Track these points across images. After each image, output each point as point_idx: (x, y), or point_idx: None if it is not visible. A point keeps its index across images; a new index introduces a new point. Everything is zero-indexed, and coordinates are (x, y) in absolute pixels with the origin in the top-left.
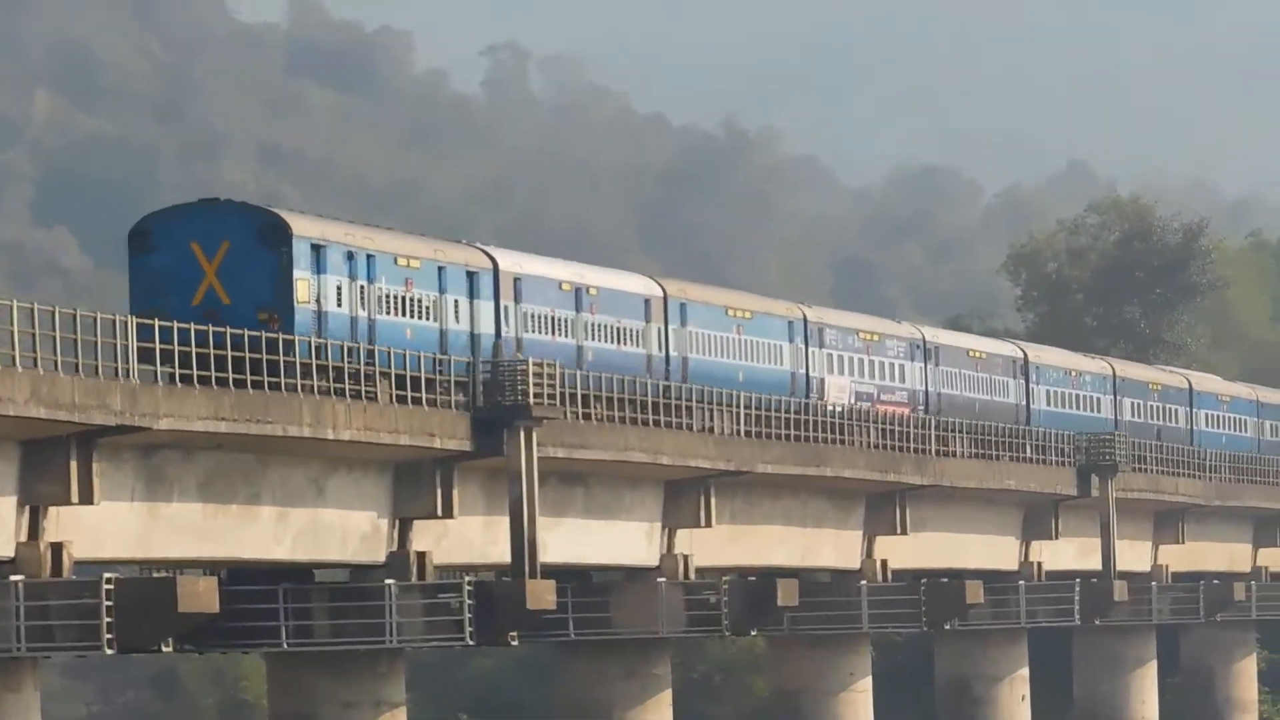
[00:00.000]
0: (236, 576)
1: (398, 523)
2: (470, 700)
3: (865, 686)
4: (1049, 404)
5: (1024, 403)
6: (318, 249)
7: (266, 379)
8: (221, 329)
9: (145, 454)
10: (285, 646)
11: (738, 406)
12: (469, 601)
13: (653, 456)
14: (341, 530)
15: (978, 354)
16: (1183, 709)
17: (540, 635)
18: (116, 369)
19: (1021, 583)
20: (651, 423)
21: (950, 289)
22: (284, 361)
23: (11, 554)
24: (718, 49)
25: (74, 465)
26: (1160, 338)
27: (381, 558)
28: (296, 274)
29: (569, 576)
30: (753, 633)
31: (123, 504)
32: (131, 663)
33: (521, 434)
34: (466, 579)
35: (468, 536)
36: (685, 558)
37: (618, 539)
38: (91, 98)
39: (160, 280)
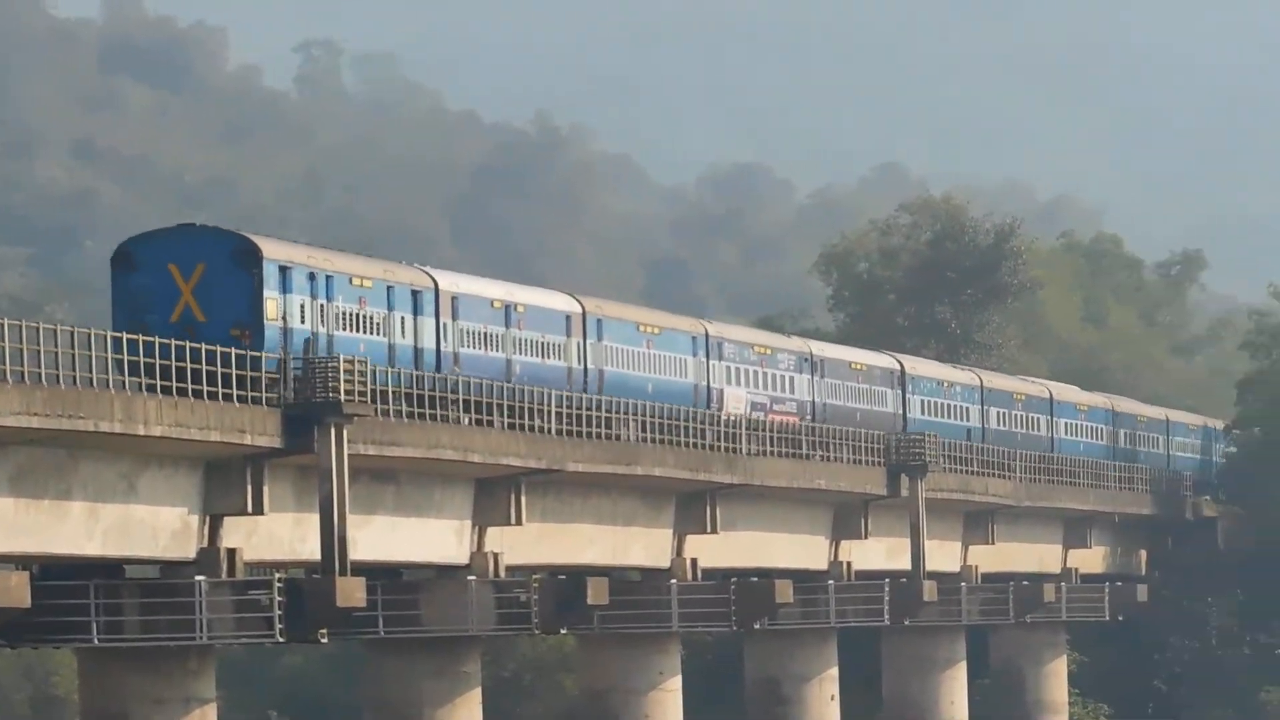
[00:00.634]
0: (48, 572)
1: (208, 519)
2: (280, 698)
3: (675, 685)
4: (923, 413)
5: (901, 412)
6: (284, 270)
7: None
8: (197, 344)
9: None
10: (96, 642)
11: (548, 405)
12: (279, 598)
13: (463, 454)
14: (152, 526)
15: (859, 366)
16: (992, 710)
17: (350, 632)
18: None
19: (831, 582)
20: (463, 421)
21: (763, 288)
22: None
23: None
24: (531, 47)
25: None
26: (971, 338)
27: (192, 554)
28: (266, 293)
29: (379, 574)
30: (562, 631)
31: None
32: None
33: (332, 431)
34: (276, 576)
35: (278, 533)
36: (496, 556)
37: (428, 537)
38: None
39: (141, 298)
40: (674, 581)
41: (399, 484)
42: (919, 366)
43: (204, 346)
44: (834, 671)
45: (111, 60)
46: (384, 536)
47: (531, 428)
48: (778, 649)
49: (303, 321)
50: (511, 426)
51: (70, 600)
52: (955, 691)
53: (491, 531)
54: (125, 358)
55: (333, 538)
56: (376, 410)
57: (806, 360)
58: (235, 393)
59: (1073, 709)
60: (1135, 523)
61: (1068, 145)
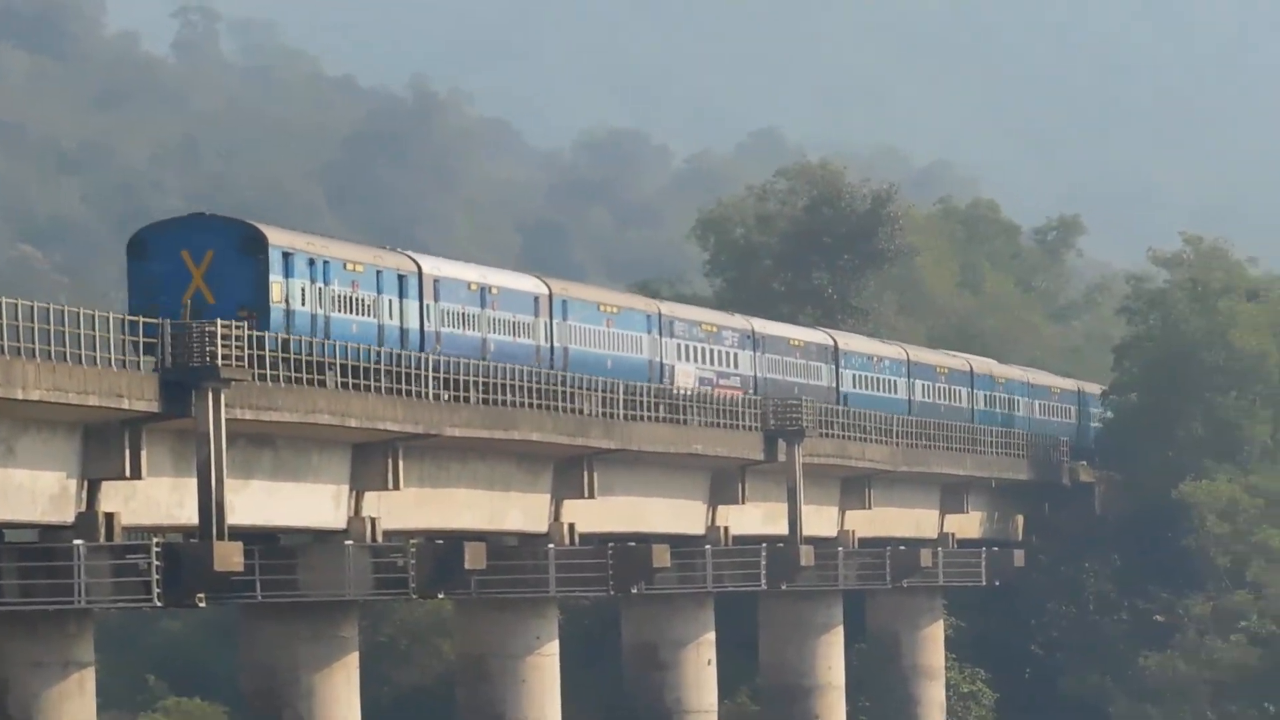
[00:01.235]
0: None
1: (86, 483)
2: (158, 661)
3: (552, 650)
4: (855, 386)
5: (835, 385)
6: (287, 256)
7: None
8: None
9: None
10: None
11: (425, 370)
12: (156, 563)
13: (341, 419)
14: (30, 490)
15: (797, 342)
16: (869, 675)
17: (227, 597)
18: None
19: (708, 547)
20: (340, 385)
21: (640, 254)
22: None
23: None
24: (409, 11)
25: None
26: (848, 303)
27: (70, 518)
28: (272, 278)
29: (256, 539)
30: (440, 596)
31: None
32: None
33: (209, 396)
34: (154, 540)
35: (156, 498)
36: (373, 520)
37: (306, 501)
38: None
39: (154, 283)
40: (551, 546)
41: (276, 449)
42: (851, 342)
43: (81, 310)
44: (711, 636)
45: None
46: (261, 501)
47: (410, 392)
48: (655, 614)
49: (303, 304)
50: (390, 391)
51: None
52: (832, 656)
53: (369, 496)
54: (127, 338)
55: (210, 502)
56: (254, 375)
57: (749, 337)
58: (114, 357)
59: (949, 674)
60: (1012, 488)
61: (944, 111)
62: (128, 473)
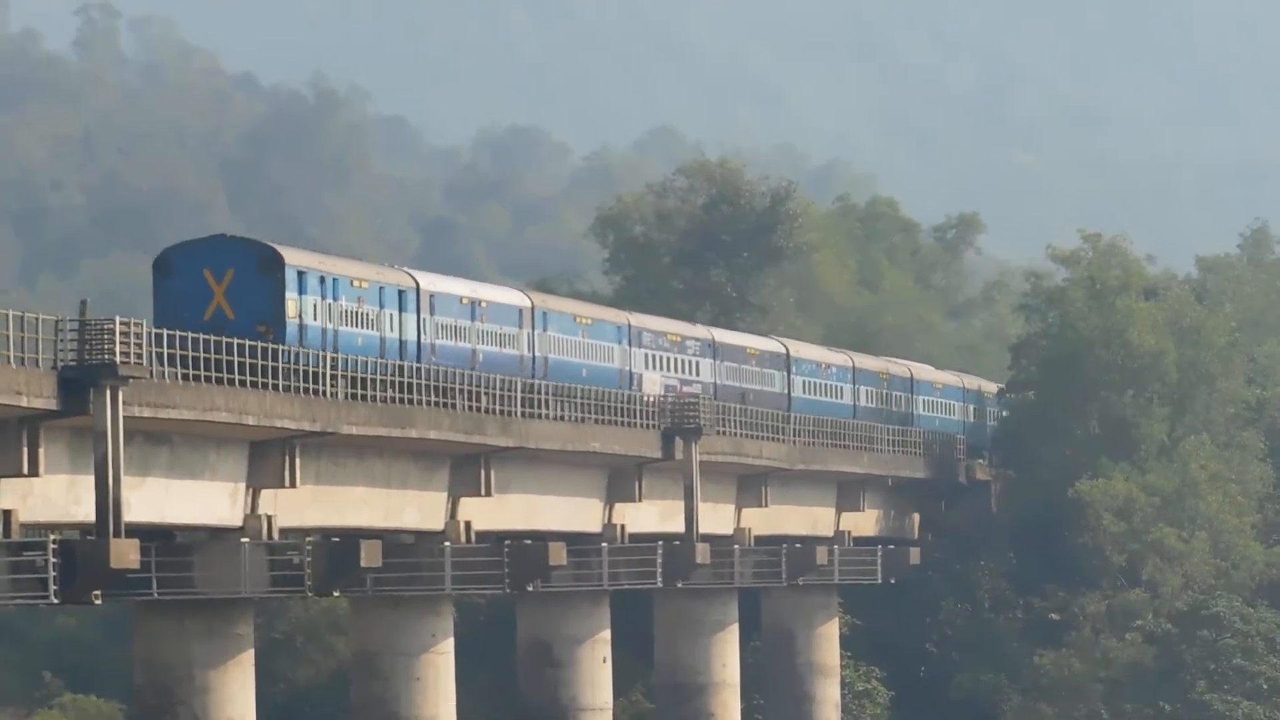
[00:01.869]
0: None
1: None
2: (53, 658)
3: (447, 648)
4: (804, 392)
5: (786, 391)
6: (301, 274)
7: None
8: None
9: None
10: None
11: (324, 367)
12: (53, 560)
13: (238, 416)
14: None
15: (753, 351)
16: (764, 672)
17: (123, 594)
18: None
19: (604, 545)
20: (238, 383)
21: (538, 252)
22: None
23: None
24: (309, 9)
25: None
26: (746, 300)
27: None
28: (288, 295)
29: (153, 536)
30: (335, 593)
31: None
32: None
33: (107, 393)
34: (51, 537)
35: (52, 495)
36: (269, 518)
37: (202, 498)
38: None
39: (178, 299)
40: (447, 544)
41: (173, 446)
42: (802, 350)
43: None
44: (606, 634)
45: None
46: (158, 498)
47: (307, 390)
48: (550, 611)
49: (315, 319)
50: (291, 389)
51: None
52: (727, 654)
53: (265, 493)
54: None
55: (107, 499)
56: (151, 372)
57: (710, 346)
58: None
59: (844, 671)
60: (908, 486)
61: (843, 109)
62: (25, 470)
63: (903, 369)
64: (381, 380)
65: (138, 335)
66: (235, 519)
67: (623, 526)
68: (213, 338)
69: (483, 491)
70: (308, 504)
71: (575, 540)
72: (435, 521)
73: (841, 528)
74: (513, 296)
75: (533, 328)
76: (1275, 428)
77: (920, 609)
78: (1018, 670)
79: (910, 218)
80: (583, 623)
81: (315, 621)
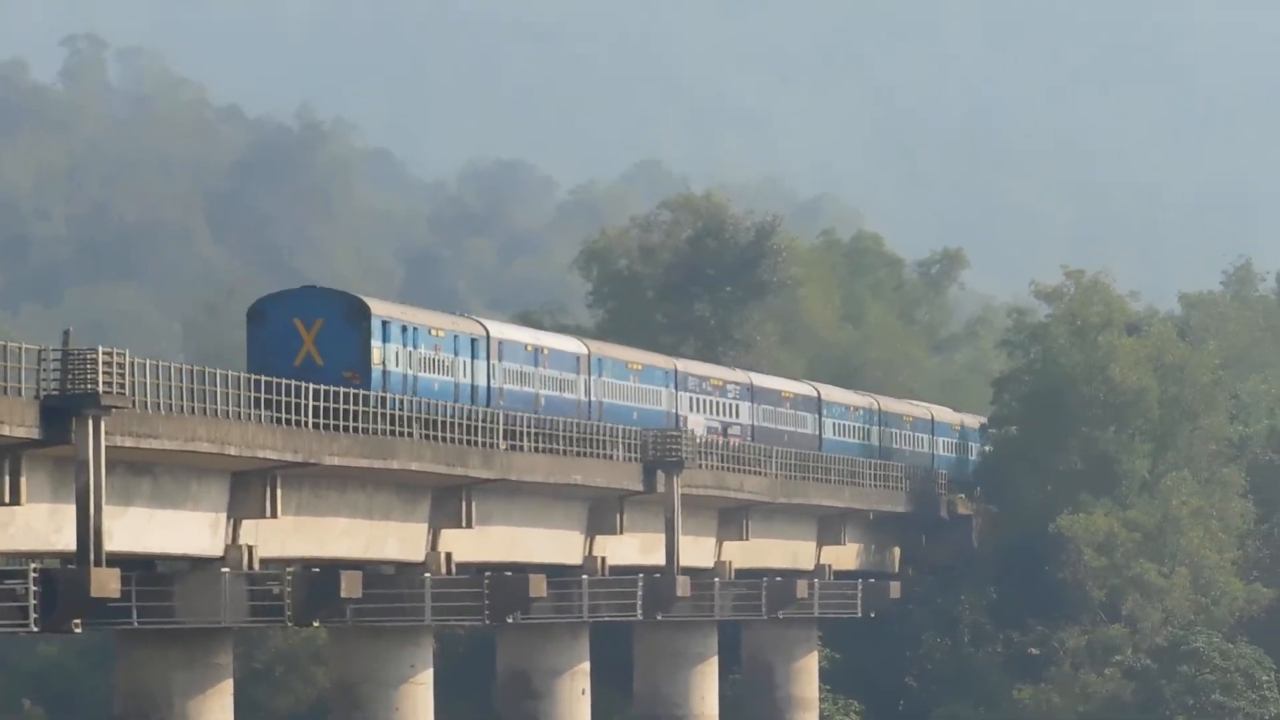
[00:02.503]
0: None
1: None
2: (33, 687)
3: (426, 679)
4: (834, 434)
5: (818, 433)
6: (385, 324)
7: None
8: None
9: None
10: None
11: (305, 398)
12: (34, 588)
13: (220, 447)
14: None
15: (787, 394)
16: (743, 705)
17: (104, 623)
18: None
19: (585, 577)
20: (221, 414)
21: (522, 285)
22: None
23: None
24: (295, 40)
25: None
26: (730, 334)
27: None
28: (373, 343)
29: (134, 565)
30: (315, 624)
31: None
32: None
33: (90, 422)
34: (32, 566)
35: (34, 524)
36: (250, 548)
37: (183, 528)
38: None
39: (270, 346)
40: (428, 575)
41: (155, 475)
42: (832, 394)
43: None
44: (585, 666)
45: None
46: (139, 528)
47: (290, 421)
48: (530, 643)
49: (397, 365)
50: (273, 421)
51: None
52: (706, 686)
53: (246, 524)
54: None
55: (88, 528)
56: (134, 402)
57: (748, 390)
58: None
59: (824, 705)
60: (889, 520)
61: (828, 144)
62: (6, 499)
63: (924, 411)
64: (363, 411)
65: (120, 365)
66: (216, 549)
67: (603, 559)
68: (183, 366)
69: (464, 523)
70: (289, 534)
71: (556, 572)
72: (416, 552)
73: (822, 561)
74: (571, 344)
75: (589, 373)
76: (1257, 464)
77: (900, 642)
78: (997, 704)
79: (894, 253)
80: (562, 654)
81: (295, 651)
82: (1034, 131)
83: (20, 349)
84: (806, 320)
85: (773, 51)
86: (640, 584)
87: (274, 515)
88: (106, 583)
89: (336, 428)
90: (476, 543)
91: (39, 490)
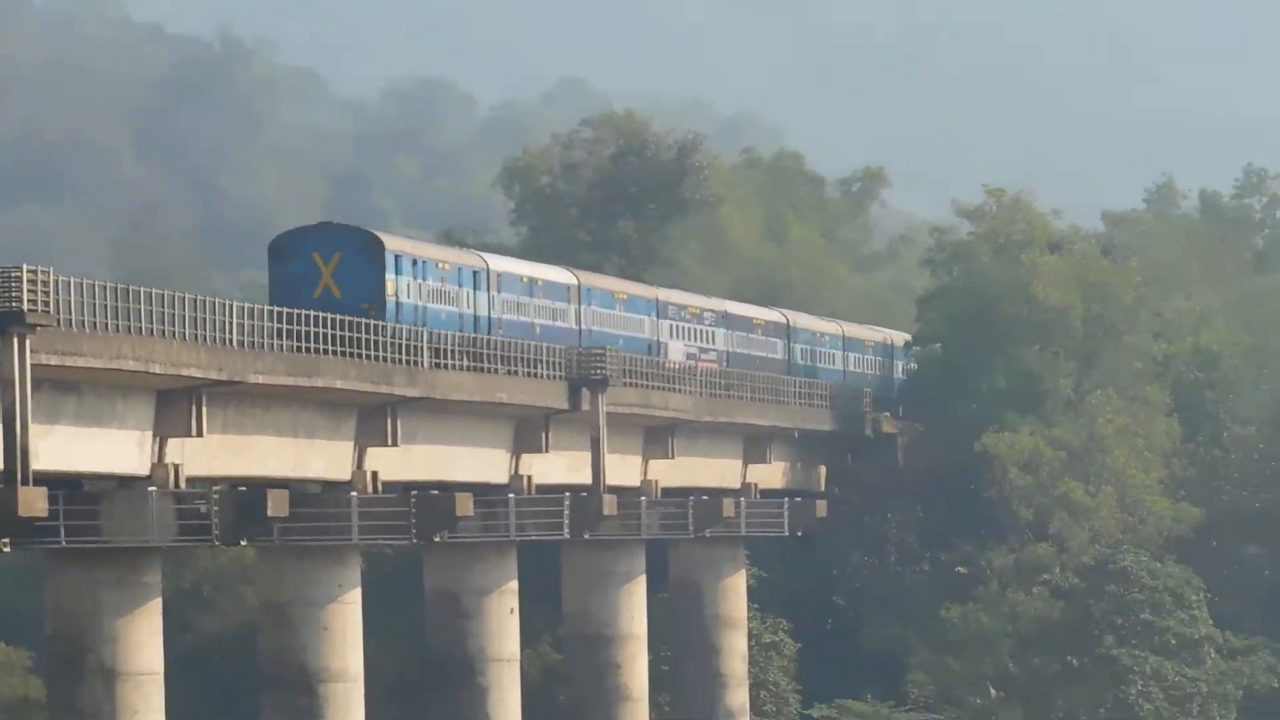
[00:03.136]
0: None
1: None
2: None
3: (354, 598)
4: (803, 360)
5: (787, 357)
6: (398, 258)
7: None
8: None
9: None
10: None
11: (227, 315)
12: None
13: (144, 364)
14: None
15: (759, 321)
16: (671, 624)
17: (31, 542)
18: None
19: (511, 496)
20: (146, 332)
21: (446, 203)
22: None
23: None
24: None
25: None
26: (653, 253)
27: None
28: (388, 276)
29: (61, 484)
30: (243, 543)
31: None
32: None
33: (15, 341)
34: None
35: None
36: (176, 467)
37: (110, 447)
38: None
39: (291, 280)
40: (354, 494)
41: (81, 394)
42: (800, 320)
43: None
44: (514, 585)
45: None
46: (66, 447)
47: (214, 339)
48: (457, 562)
49: (409, 297)
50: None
51: None
52: (635, 605)
53: (173, 443)
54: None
55: (15, 448)
56: (59, 321)
57: (722, 317)
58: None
59: (752, 624)
60: (815, 439)
61: (750, 63)
62: None
63: (883, 336)
64: (288, 329)
65: (45, 284)
66: (143, 468)
67: (530, 478)
68: (106, 284)
69: (390, 442)
70: (215, 453)
71: (482, 491)
72: (342, 471)
73: (748, 480)
74: (563, 275)
75: (579, 303)
76: (1181, 383)
77: (827, 562)
78: (925, 624)
79: (816, 172)
80: (490, 573)
81: (223, 571)
82: (967, 58)
83: None
84: (729, 239)
85: None
86: (567, 503)
87: (200, 434)
88: (34, 502)
89: (261, 345)
90: (403, 462)
91: None
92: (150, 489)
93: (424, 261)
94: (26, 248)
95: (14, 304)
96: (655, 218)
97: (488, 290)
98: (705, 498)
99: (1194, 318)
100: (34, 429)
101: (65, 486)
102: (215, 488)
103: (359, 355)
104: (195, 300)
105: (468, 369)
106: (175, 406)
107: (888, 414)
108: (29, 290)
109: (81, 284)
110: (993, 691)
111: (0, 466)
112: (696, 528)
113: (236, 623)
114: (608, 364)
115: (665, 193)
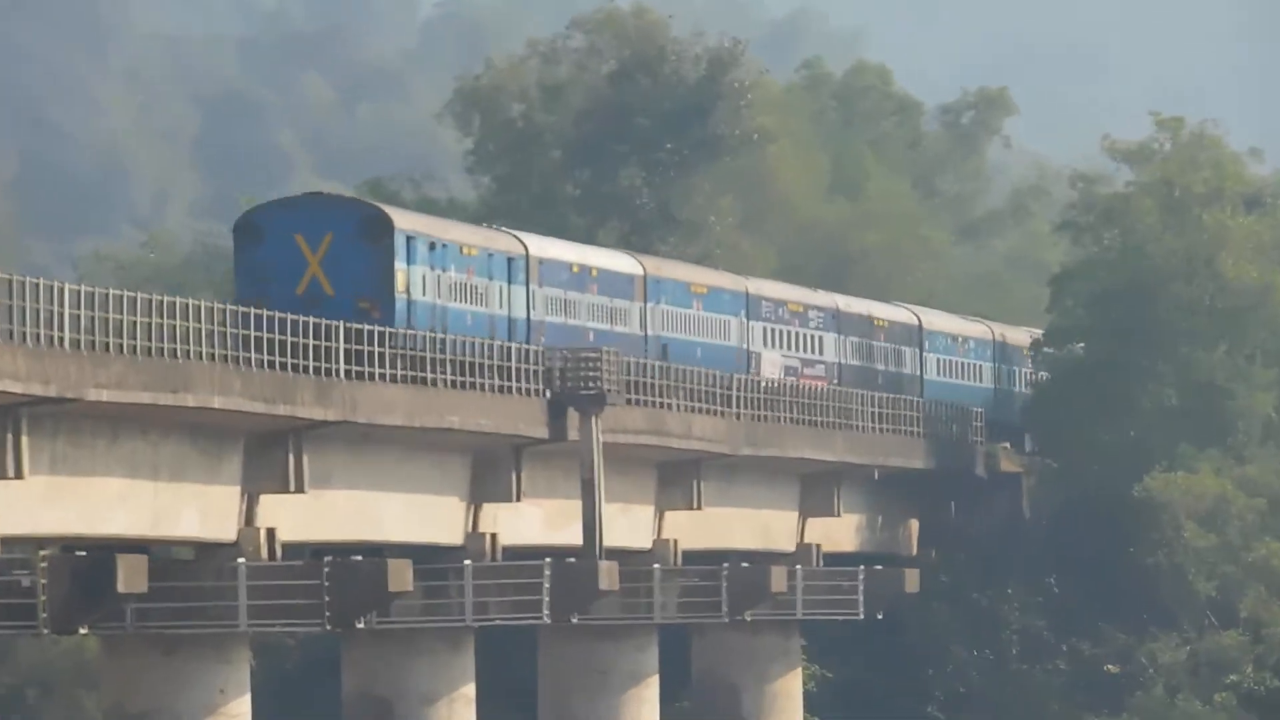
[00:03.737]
0: None
1: None
2: None
3: (242, 709)
4: (939, 373)
5: (919, 373)
6: (410, 240)
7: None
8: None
9: None
10: None
11: (55, 303)
12: None
13: None
14: None
15: (882, 321)
16: None
17: None
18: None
19: (468, 564)
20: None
21: (372, 140)
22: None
23: None
24: None
25: None
26: (670, 214)
27: None
28: (397, 265)
29: None
30: (82, 631)
31: None
32: None
33: None
34: None
35: None
36: None
37: None
38: None
39: (265, 271)
40: (242, 561)
41: None
42: (934, 320)
43: None
44: (469, 689)
45: None
46: None
47: (40, 338)
48: (390, 656)
49: (424, 294)
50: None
51: None
52: (642, 715)
53: None
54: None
55: None
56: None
57: (833, 317)
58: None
59: None
60: (903, 481)
61: None
62: None
63: (1024, 335)
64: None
65: None
66: None
67: (494, 537)
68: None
69: (292, 486)
70: (40, 503)
71: (426, 556)
72: (224, 529)
73: (807, 540)
74: (624, 262)
75: (645, 300)
76: None
77: (919, 656)
78: None
79: (907, 93)
80: (437, 673)
81: (54, 669)
82: None
83: None
84: (780, 192)
85: None
86: (547, 573)
87: (18, 475)
88: None
89: (106, 347)
90: (311, 514)
91: None
92: None
93: (444, 245)
94: None
95: None
96: (674, 163)
97: (526, 283)
98: (745, 565)
99: None
100: None
101: None
102: (42, 552)
103: (248, 362)
104: (10, 282)
105: (405, 380)
106: None
107: (1007, 444)
108: None
109: None
110: None
111: None
112: (732, 608)
113: None
114: (605, 371)
115: (689, 126)
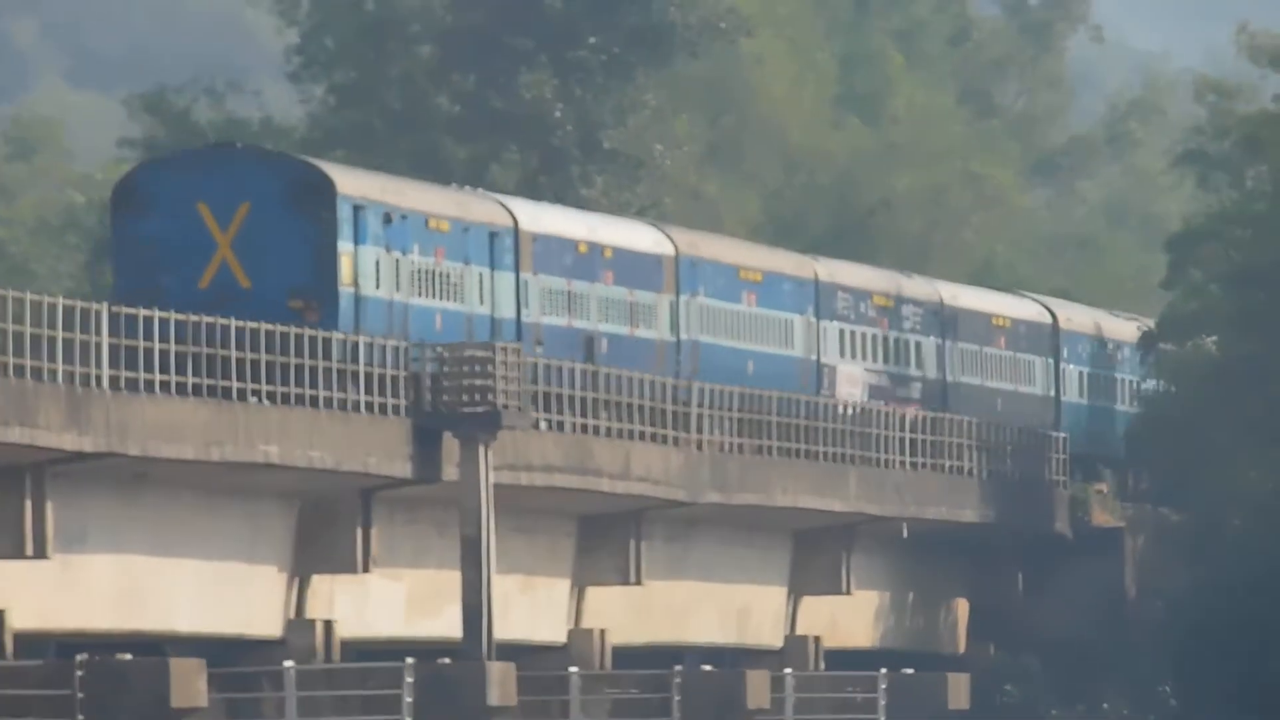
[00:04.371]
0: None
1: None
2: None
3: None
4: (1080, 395)
5: (1054, 392)
6: (358, 210)
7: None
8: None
9: None
10: None
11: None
12: None
13: None
14: None
15: (1002, 320)
16: None
17: None
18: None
19: (289, 666)
20: None
21: (151, 36)
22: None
23: None
24: None
25: None
26: (596, 142)
27: None
28: (340, 246)
29: None
30: None
31: None
32: None
33: None
34: None
35: None
36: None
37: None
38: None
39: (154, 253)
40: None
41: None
42: (1075, 316)
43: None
44: None
45: None
46: None
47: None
48: None
49: (378, 286)
50: None
51: None
52: None
53: None
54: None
55: None
56: None
57: (934, 313)
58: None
59: None
60: (946, 539)
61: None
62: None
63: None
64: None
65: None
66: None
67: (328, 625)
68: None
69: (29, 549)
70: None
71: (229, 654)
72: None
73: (801, 630)
74: (649, 238)
75: (677, 290)
76: None
77: None
78: None
79: None
80: None
81: None
82: None
83: None
84: (762, 112)
85: None
86: (409, 679)
87: None
88: None
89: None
90: (57, 590)
91: None
92: None
93: (403, 217)
94: None
95: None
96: (602, 66)
97: (516, 269)
98: (708, 669)
99: None
100: None
101: None
102: None
103: None
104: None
105: (199, 392)
106: None
107: (1102, 486)
108: None
109: None
110: None
111: None
112: None
113: None
114: (498, 379)
115: (624, 12)
